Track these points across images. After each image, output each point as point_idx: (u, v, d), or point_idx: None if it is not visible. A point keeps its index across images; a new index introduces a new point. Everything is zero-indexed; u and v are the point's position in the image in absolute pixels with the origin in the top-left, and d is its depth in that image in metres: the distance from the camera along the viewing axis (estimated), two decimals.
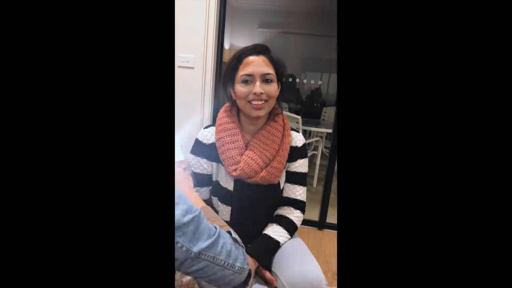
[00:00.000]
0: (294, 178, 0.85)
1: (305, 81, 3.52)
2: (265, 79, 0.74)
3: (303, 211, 0.85)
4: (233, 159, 0.76)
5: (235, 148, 0.77)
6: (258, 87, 0.72)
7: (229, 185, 0.80)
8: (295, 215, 0.83)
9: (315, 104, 3.56)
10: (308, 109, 3.47)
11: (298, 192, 0.85)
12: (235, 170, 0.76)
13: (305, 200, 0.86)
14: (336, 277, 1.35)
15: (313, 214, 1.87)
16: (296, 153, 0.84)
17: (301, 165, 0.85)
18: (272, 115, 0.82)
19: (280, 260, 0.75)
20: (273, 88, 0.75)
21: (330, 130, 2.49)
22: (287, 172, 0.85)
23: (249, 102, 0.74)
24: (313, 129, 2.59)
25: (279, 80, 0.78)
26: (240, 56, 0.75)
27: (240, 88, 0.74)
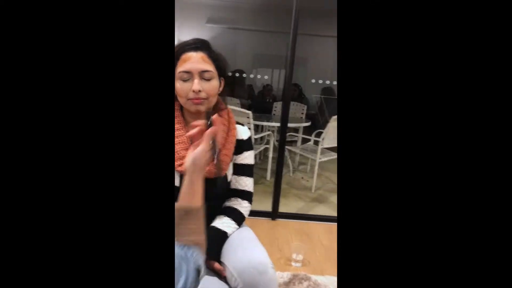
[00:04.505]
0: (241, 169, 0.87)
1: (251, 76, 3.58)
2: (204, 77, 0.74)
3: (250, 201, 0.88)
4: (178, 154, 0.76)
5: (179, 143, 0.77)
6: (196, 84, 0.72)
7: (175, 180, 0.79)
8: (243, 206, 0.86)
9: (267, 100, 3.64)
10: (260, 105, 3.54)
11: (245, 183, 0.87)
12: (181, 165, 0.76)
13: (252, 191, 0.89)
14: (289, 263, 1.43)
15: (268, 205, 1.93)
16: (242, 146, 0.86)
17: (247, 157, 0.88)
18: (216, 110, 0.83)
19: (227, 250, 0.77)
20: (212, 86, 0.75)
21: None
22: (234, 164, 0.87)
23: (189, 99, 0.74)
24: (264, 123, 2.66)
25: (222, 76, 0.79)
26: (178, 52, 0.74)
27: (179, 86, 0.73)
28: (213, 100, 0.78)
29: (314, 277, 1.32)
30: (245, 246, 0.76)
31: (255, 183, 2.59)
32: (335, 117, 2.31)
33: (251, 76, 3.56)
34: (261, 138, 2.83)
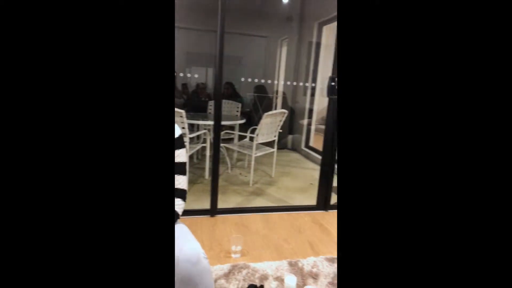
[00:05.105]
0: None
1: (181, 75, 3.53)
2: None
3: (184, 199, 0.90)
4: None
5: None
6: None
7: None
8: (176, 204, 0.88)
9: (202, 98, 3.62)
10: (195, 103, 3.51)
11: (178, 181, 0.89)
12: None
13: (186, 188, 0.91)
14: (229, 255, 1.48)
15: (207, 203, 1.95)
16: None
17: (178, 155, 0.89)
18: None
19: None
20: None
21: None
22: None
23: None
24: (200, 122, 2.66)
25: None
26: None
27: None
28: None
29: (252, 264, 1.39)
30: (178, 241, 0.78)
31: (194, 182, 2.56)
32: (267, 113, 2.44)
33: (181, 75, 3.49)
34: (198, 137, 2.81)
